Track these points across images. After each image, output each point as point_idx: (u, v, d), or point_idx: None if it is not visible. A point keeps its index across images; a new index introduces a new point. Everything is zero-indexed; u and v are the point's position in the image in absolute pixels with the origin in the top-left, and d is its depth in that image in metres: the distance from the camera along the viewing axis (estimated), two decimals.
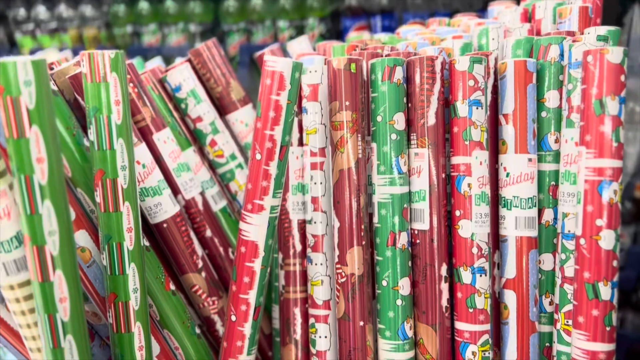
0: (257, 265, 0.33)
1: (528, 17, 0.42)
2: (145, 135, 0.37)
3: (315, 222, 0.36)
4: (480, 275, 0.33)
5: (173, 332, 0.36)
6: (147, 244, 0.35)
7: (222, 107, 0.45)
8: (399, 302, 0.33)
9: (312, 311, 0.37)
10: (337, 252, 0.34)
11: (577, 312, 0.31)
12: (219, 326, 0.39)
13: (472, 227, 0.33)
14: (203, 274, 0.38)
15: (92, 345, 0.36)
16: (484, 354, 0.33)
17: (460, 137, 0.33)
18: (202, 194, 0.40)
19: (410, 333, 0.34)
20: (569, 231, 0.33)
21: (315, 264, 0.36)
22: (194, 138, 0.44)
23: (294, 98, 0.32)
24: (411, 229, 0.34)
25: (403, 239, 0.33)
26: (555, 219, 0.34)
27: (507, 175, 0.34)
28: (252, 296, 0.33)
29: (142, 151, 0.35)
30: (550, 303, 0.35)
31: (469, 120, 0.33)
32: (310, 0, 1.27)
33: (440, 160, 0.33)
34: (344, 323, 0.34)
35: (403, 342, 0.34)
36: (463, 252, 0.33)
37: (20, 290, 0.28)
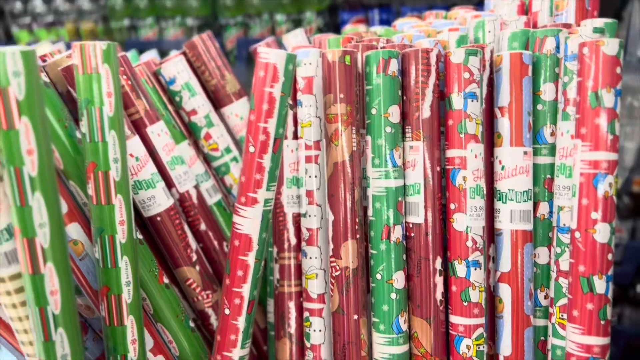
0: (250, 258, 0.33)
1: (525, 9, 0.41)
2: (138, 128, 0.36)
3: (310, 216, 0.36)
4: (475, 269, 0.33)
5: (167, 325, 0.36)
6: (140, 237, 0.35)
7: (217, 100, 0.44)
8: (393, 295, 0.33)
9: (306, 305, 0.37)
10: (331, 246, 0.34)
11: (572, 306, 0.31)
12: (213, 320, 0.39)
13: (467, 221, 0.33)
14: (197, 267, 0.38)
15: (86, 339, 0.36)
16: (479, 347, 0.33)
17: (455, 130, 0.33)
18: (196, 187, 0.40)
19: (404, 327, 0.34)
20: (564, 224, 0.33)
21: (310, 258, 0.36)
22: (189, 131, 0.43)
23: (288, 90, 0.31)
24: (406, 222, 0.34)
25: (397, 233, 0.33)
26: (551, 212, 0.34)
27: (502, 168, 0.33)
28: (245, 290, 0.33)
29: (135, 144, 0.35)
30: (545, 297, 0.35)
31: (464, 113, 0.32)
32: None
33: (435, 154, 0.33)
34: (338, 317, 0.34)
35: (397, 335, 0.33)
36: (458, 246, 0.33)
37: (11, 283, 0.28)
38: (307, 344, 0.37)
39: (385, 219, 0.33)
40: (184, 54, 0.44)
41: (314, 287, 0.36)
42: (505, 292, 0.34)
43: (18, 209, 0.25)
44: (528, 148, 0.33)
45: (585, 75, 0.30)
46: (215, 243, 0.40)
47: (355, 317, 0.34)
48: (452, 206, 0.33)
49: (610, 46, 0.29)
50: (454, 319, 0.33)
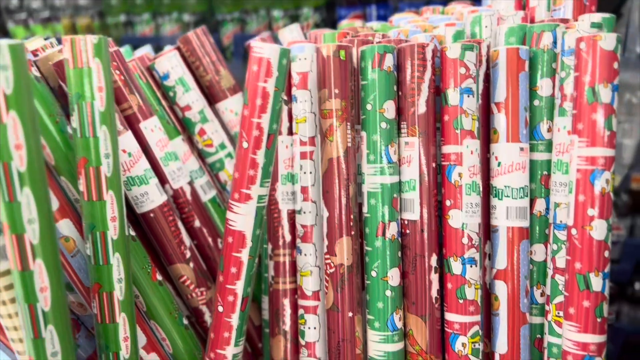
0: (244, 255, 0.32)
1: (522, 4, 0.41)
2: (131, 123, 0.36)
3: (304, 212, 0.36)
4: (471, 266, 0.32)
5: (160, 323, 0.35)
6: (133, 233, 0.35)
7: (211, 96, 0.44)
8: (388, 292, 0.33)
9: (301, 302, 0.36)
10: (326, 243, 0.34)
11: (568, 304, 0.31)
12: (208, 317, 0.38)
13: (463, 217, 0.32)
14: (191, 264, 0.38)
15: (78, 336, 0.36)
16: (474, 345, 0.33)
17: (451, 126, 0.32)
18: (190, 183, 0.39)
19: (399, 324, 0.33)
20: (560, 221, 0.33)
21: (305, 255, 0.36)
22: (183, 127, 0.43)
23: (282, 85, 0.31)
24: (401, 219, 0.34)
25: (393, 229, 0.33)
26: (547, 209, 0.34)
27: (499, 164, 0.33)
28: (239, 287, 0.33)
29: (128, 139, 0.34)
30: (542, 294, 0.34)
31: (460, 109, 0.32)
32: None
33: (430, 150, 0.33)
34: (333, 314, 0.34)
35: (392, 333, 0.33)
36: (453, 243, 0.33)
37: (1, 279, 0.27)
38: (302, 342, 0.36)
39: (381, 215, 0.33)
40: (178, 49, 0.44)
41: (309, 284, 0.36)
42: (501, 289, 0.34)
43: (6, 205, 0.24)
44: (524, 144, 0.33)
45: (582, 71, 0.29)
46: (210, 240, 0.40)
47: (350, 314, 0.34)
48: (447, 203, 0.33)
49: (608, 41, 0.29)
50: (449, 316, 0.33)
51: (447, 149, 0.33)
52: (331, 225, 0.33)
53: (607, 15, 0.34)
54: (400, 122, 0.33)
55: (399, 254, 0.33)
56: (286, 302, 0.37)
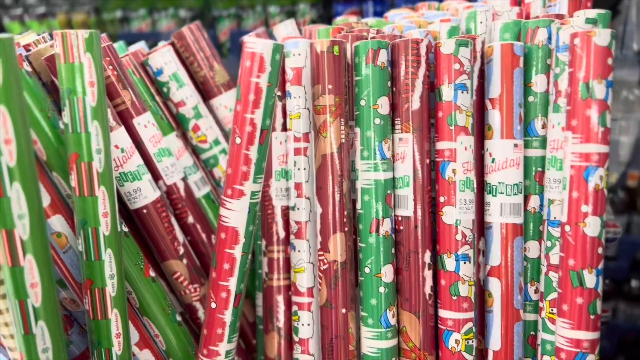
0: (237, 251, 0.32)
1: (518, 0, 0.41)
2: (124, 119, 0.36)
3: (298, 209, 0.35)
4: (464, 263, 0.32)
5: (153, 319, 0.35)
6: (126, 229, 0.34)
7: (205, 92, 0.44)
8: (381, 289, 0.33)
9: (295, 299, 0.36)
10: (319, 239, 0.34)
11: (562, 300, 0.31)
12: (201, 313, 0.38)
13: (457, 214, 0.32)
14: (185, 260, 0.37)
15: (71, 332, 0.36)
16: (468, 342, 0.33)
17: (445, 122, 0.32)
18: (184, 179, 0.39)
19: (393, 321, 0.33)
20: (554, 218, 0.32)
21: (299, 251, 0.36)
22: (177, 123, 0.43)
23: (275, 80, 0.31)
24: (395, 215, 0.34)
25: (386, 226, 0.33)
26: (542, 205, 0.34)
27: (493, 161, 0.33)
28: (232, 283, 0.33)
29: (120, 135, 0.34)
30: (536, 291, 0.34)
31: (454, 105, 0.32)
32: None
33: (424, 146, 0.33)
34: (326, 310, 0.34)
35: (385, 330, 0.33)
36: (447, 239, 0.33)
37: None
38: (296, 338, 0.36)
39: (374, 212, 0.33)
40: (173, 44, 0.43)
41: (303, 280, 0.36)
42: (495, 286, 0.33)
43: None
44: (519, 140, 0.33)
45: (576, 66, 0.29)
46: (204, 236, 0.40)
47: (344, 311, 0.34)
48: (441, 199, 0.33)
49: (602, 37, 0.29)
50: (443, 313, 0.33)
51: (441, 145, 0.33)
52: (325, 221, 0.33)
53: (602, 11, 0.33)
54: (394, 118, 0.33)
55: (393, 250, 0.33)
56: (280, 299, 0.37)
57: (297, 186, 0.35)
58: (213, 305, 0.33)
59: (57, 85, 0.32)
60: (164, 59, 0.41)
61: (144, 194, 0.35)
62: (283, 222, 0.37)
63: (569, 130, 0.30)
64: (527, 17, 0.39)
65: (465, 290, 0.32)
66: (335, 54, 0.32)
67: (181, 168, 0.39)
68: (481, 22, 0.37)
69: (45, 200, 0.31)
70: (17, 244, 0.25)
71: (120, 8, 1.35)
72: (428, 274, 0.33)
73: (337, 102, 0.33)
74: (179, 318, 0.37)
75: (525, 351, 0.35)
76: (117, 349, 0.31)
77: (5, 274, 0.26)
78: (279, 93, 0.36)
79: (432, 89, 0.33)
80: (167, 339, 0.36)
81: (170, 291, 0.39)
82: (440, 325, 0.33)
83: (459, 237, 0.32)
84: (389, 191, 0.33)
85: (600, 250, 0.30)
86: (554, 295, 0.33)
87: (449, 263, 0.33)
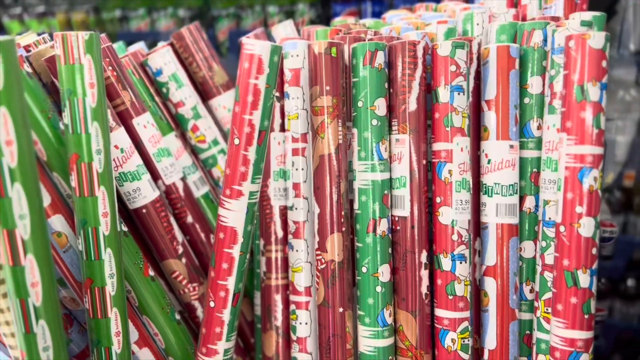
0: (235, 251, 0.33)
1: (514, 2, 0.41)
2: (124, 119, 0.36)
3: (296, 209, 0.36)
4: (460, 262, 0.33)
5: (152, 318, 0.36)
6: (125, 229, 0.35)
7: (204, 92, 0.44)
8: (378, 288, 0.33)
9: (292, 298, 0.36)
10: (317, 239, 0.34)
11: (556, 300, 0.31)
12: (200, 312, 0.39)
13: (453, 214, 0.33)
14: (183, 260, 0.38)
15: (71, 331, 0.36)
16: (464, 341, 0.33)
17: (442, 123, 0.33)
18: (183, 179, 0.39)
19: (389, 320, 0.34)
20: (549, 218, 0.33)
21: (296, 251, 0.36)
22: (176, 123, 0.43)
23: (273, 82, 0.31)
24: (391, 215, 0.34)
25: (383, 226, 0.33)
26: (537, 206, 0.34)
27: (489, 162, 0.33)
28: (230, 282, 0.33)
29: (120, 135, 0.34)
30: (531, 291, 0.35)
31: (450, 106, 0.32)
32: None
33: (421, 147, 0.33)
34: (324, 309, 0.34)
35: (382, 328, 0.33)
36: (443, 239, 0.33)
37: None
38: (293, 337, 0.37)
39: (371, 212, 0.33)
40: (172, 45, 0.44)
41: (301, 280, 0.36)
42: (490, 285, 0.34)
43: None
44: (514, 142, 0.33)
45: (571, 69, 0.30)
46: (202, 235, 0.40)
47: (341, 310, 0.34)
48: (437, 199, 0.33)
49: (596, 39, 0.29)
50: (439, 312, 0.33)
51: (437, 146, 0.33)
52: (322, 221, 0.33)
53: (597, 13, 0.34)
54: (391, 119, 0.34)
55: (390, 250, 0.34)
56: (278, 298, 0.38)
57: (295, 186, 0.36)
58: (212, 304, 0.33)
59: (57, 86, 0.32)
60: (163, 59, 0.41)
61: (144, 193, 0.35)
62: (281, 222, 0.37)
63: (564, 132, 0.30)
64: (524, 19, 0.40)
65: (461, 289, 0.33)
66: (333, 55, 0.33)
67: (180, 168, 0.40)
68: (478, 24, 0.38)
69: (46, 200, 0.31)
70: (18, 243, 0.25)
71: (120, 7, 1.36)
72: (424, 273, 0.34)
73: (334, 104, 0.33)
74: (178, 317, 0.37)
75: (520, 350, 0.35)
76: (116, 347, 0.32)
77: (7, 274, 0.26)
78: (277, 94, 0.36)
79: (428, 90, 0.34)
80: (166, 338, 0.36)
81: (169, 290, 0.39)
82: (436, 325, 0.34)
83: (455, 237, 0.33)
84: (386, 192, 0.33)
85: (594, 250, 0.30)
86: (548, 294, 0.33)
87: (445, 263, 0.33)
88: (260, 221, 0.38)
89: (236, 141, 0.31)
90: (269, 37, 0.46)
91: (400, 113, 0.33)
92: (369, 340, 0.34)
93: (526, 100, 0.34)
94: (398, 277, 0.34)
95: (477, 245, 0.35)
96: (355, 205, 0.34)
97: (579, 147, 0.29)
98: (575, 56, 0.29)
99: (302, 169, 0.36)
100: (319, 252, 0.34)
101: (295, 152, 0.35)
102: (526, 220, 0.34)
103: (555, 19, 0.35)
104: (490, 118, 0.33)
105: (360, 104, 0.33)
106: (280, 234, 0.37)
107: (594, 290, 0.30)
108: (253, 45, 0.30)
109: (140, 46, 0.46)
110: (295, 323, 0.36)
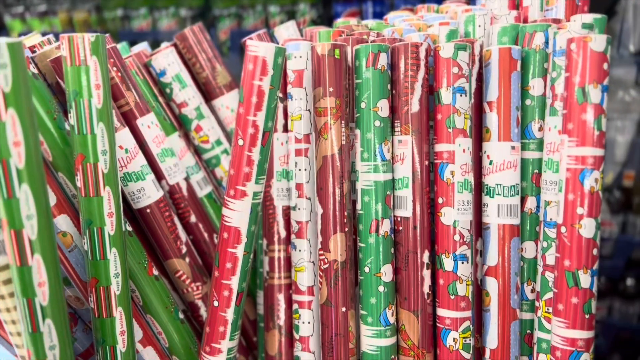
0: (239, 251, 0.33)
1: (516, 4, 0.41)
2: (128, 119, 0.36)
3: (299, 209, 0.36)
4: (462, 263, 0.33)
5: (156, 317, 0.36)
6: (130, 229, 0.35)
7: (207, 93, 0.44)
8: (381, 288, 0.33)
9: (295, 297, 0.37)
10: (320, 239, 0.34)
11: (557, 300, 0.31)
12: (203, 311, 0.39)
13: (455, 215, 0.33)
14: (187, 259, 0.38)
15: (75, 330, 0.36)
16: (465, 340, 0.33)
17: (444, 125, 0.33)
18: (186, 179, 0.40)
19: (392, 319, 0.34)
20: (550, 219, 0.33)
21: (299, 250, 0.36)
22: (179, 123, 0.43)
23: (277, 83, 0.31)
24: (394, 216, 0.34)
25: (386, 226, 0.33)
26: (538, 207, 0.34)
27: (490, 163, 0.34)
28: (234, 282, 0.33)
29: (125, 136, 0.35)
30: (532, 291, 0.35)
31: (452, 108, 0.33)
32: None
33: (423, 148, 0.33)
34: (327, 309, 0.34)
35: (385, 328, 0.34)
36: (445, 240, 0.33)
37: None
38: (296, 336, 0.37)
39: (374, 212, 0.33)
40: (175, 45, 0.44)
41: (303, 279, 0.36)
42: (492, 285, 0.34)
43: (5, 201, 0.25)
44: (516, 143, 0.33)
45: (572, 71, 0.30)
46: (206, 235, 0.40)
47: (344, 309, 0.34)
48: (440, 200, 0.33)
49: (598, 42, 0.29)
50: (441, 312, 0.34)
51: (439, 147, 0.33)
52: (325, 221, 0.34)
53: (598, 15, 0.34)
54: (393, 121, 0.34)
55: (392, 250, 0.34)
56: (281, 297, 0.38)
57: (298, 186, 0.36)
58: (215, 303, 0.34)
59: (63, 86, 0.33)
60: (167, 60, 0.42)
61: (148, 193, 0.36)
62: (284, 222, 0.38)
63: (565, 134, 0.30)
64: (525, 20, 0.40)
65: (463, 289, 0.33)
66: (336, 57, 0.33)
67: (184, 168, 0.40)
68: (479, 26, 0.38)
69: (52, 200, 0.32)
70: (26, 243, 0.25)
71: (121, 7, 1.36)
72: (426, 273, 0.34)
73: (337, 105, 0.33)
74: (181, 316, 0.37)
75: (521, 349, 0.35)
76: (121, 346, 0.32)
77: (14, 273, 0.26)
78: (280, 95, 0.36)
79: (431, 92, 0.34)
80: (169, 337, 0.37)
81: (173, 289, 0.39)
82: (438, 324, 0.34)
83: (457, 237, 0.33)
84: (388, 192, 0.34)
85: (595, 251, 0.30)
86: (549, 294, 0.33)
87: (447, 263, 0.33)
88: (264, 221, 0.38)
89: (240, 142, 0.32)
90: (272, 38, 0.46)
91: (403, 114, 0.33)
92: (371, 340, 0.34)
93: (528, 101, 0.34)
94: (400, 277, 0.34)
95: (478, 245, 0.35)
96: (358, 206, 0.34)
97: (580, 148, 0.30)
98: (576, 59, 0.30)
99: (305, 170, 0.36)
100: (322, 252, 0.34)
101: (298, 152, 0.36)
102: (527, 220, 0.35)
103: (557, 20, 0.36)
104: (492, 119, 0.33)
105: (363, 105, 0.33)
106: (283, 233, 0.38)
107: (595, 290, 0.31)
108: (257, 47, 0.31)
109: (143, 47, 0.46)
110: (298, 322, 0.37)
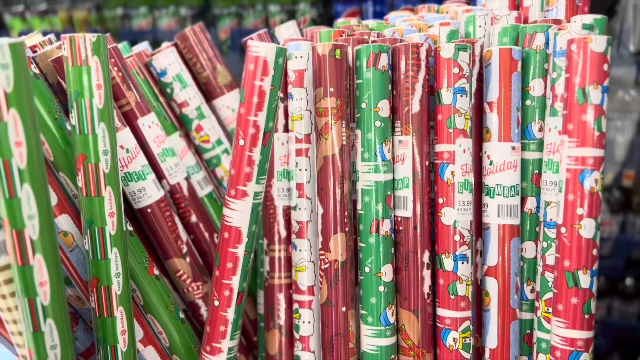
0: (240, 251, 0.33)
1: (516, 4, 0.41)
2: (129, 119, 0.36)
3: (300, 209, 0.36)
4: (462, 263, 0.33)
5: (157, 316, 0.36)
6: (130, 228, 0.35)
7: (208, 92, 0.44)
8: (381, 288, 0.34)
9: (296, 297, 0.37)
10: (320, 239, 0.34)
11: (557, 300, 0.31)
12: (204, 311, 0.39)
13: (455, 215, 0.33)
14: (187, 259, 0.38)
15: (76, 329, 0.36)
16: (465, 340, 0.33)
17: (444, 125, 0.33)
18: (187, 179, 0.40)
19: (392, 319, 0.34)
20: (550, 219, 0.33)
21: (300, 250, 0.36)
22: (180, 123, 0.43)
23: (278, 84, 0.32)
24: (394, 216, 0.34)
25: (386, 226, 0.34)
26: (538, 207, 0.35)
27: (491, 163, 0.34)
28: (235, 282, 0.33)
29: (125, 136, 0.35)
30: (532, 291, 0.35)
31: (453, 108, 0.33)
32: None
33: (424, 148, 0.33)
34: (327, 309, 0.34)
35: (385, 328, 0.34)
36: (445, 240, 0.33)
37: (1, 274, 0.28)
38: (296, 335, 0.37)
39: (374, 212, 0.33)
40: (176, 45, 0.44)
41: (304, 279, 0.36)
42: (492, 285, 0.34)
43: (7, 201, 0.25)
44: (516, 143, 0.33)
45: (572, 72, 0.30)
46: (206, 235, 0.40)
47: (344, 309, 0.34)
48: (440, 200, 0.33)
49: (598, 43, 0.29)
50: (441, 311, 0.34)
51: (440, 147, 0.33)
52: (326, 221, 0.34)
53: (598, 16, 0.34)
54: (394, 121, 0.34)
55: (392, 250, 0.34)
56: (281, 297, 0.38)
57: (299, 186, 0.36)
58: (216, 303, 0.34)
59: (64, 86, 0.33)
60: (167, 60, 0.42)
61: (149, 193, 0.36)
62: (284, 222, 0.38)
63: (565, 134, 0.31)
64: (525, 21, 0.40)
65: (463, 289, 0.33)
66: (337, 57, 0.33)
67: (184, 168, 0.40)
68: (480, 26, 0.38)
69: (53, 200, 0.32)
70: (27, 243, 0.26)
71: (121, 5, 1.36)
72: (427, 273, 0.34)
73: (338, 105, 0.33)
74: (182, 315, 0.37)
75: (521, 349, 0.35)
76: (122, 345, 0.32)
77: (15, 273, 0.26)
78: (281, 95, 0.36)
79: (431, 92, 0.34)
80: (170, 336, 0.37)
81: (174, 289, 0.39)
82: (438, 324, 0.34)
83: (457, 237, 0.33)
84: (389, 192, 0.34)
85: (594, 251, 0.30)
86: (549, 295, 0.33)
87: (447, 263, 0.33)
88: (264, 221, 0.38)
89: (241, 142, 0.32)
90: (272, 38, 0.46)
91: (404, 114, 0.33)
92: (371, 339, 0.34)
93: (528, 102, 0.34)
94: (400, 277, 0.34)
95: (478, 245, 0.35)
96: (359, 206, 0.34)
97: (581, 149, 0.30)
98: (576, 59, 0.30)
99: (306, 170, 0.36)
100: (322, 252, 0.34)
101: (298, 152, 0.36)
102: (527, 221, 0.35)
103: (557, 21, 0.36)
104: (492, 120, 0.33)
105: (363, 105, 0.33)
106: (283, 233, 0.38)
107: (594, 290, 0.31)
108: (258, 48, 0.31)
109: (144, 46, 0.46)
110: (298, 322, 0.37)
